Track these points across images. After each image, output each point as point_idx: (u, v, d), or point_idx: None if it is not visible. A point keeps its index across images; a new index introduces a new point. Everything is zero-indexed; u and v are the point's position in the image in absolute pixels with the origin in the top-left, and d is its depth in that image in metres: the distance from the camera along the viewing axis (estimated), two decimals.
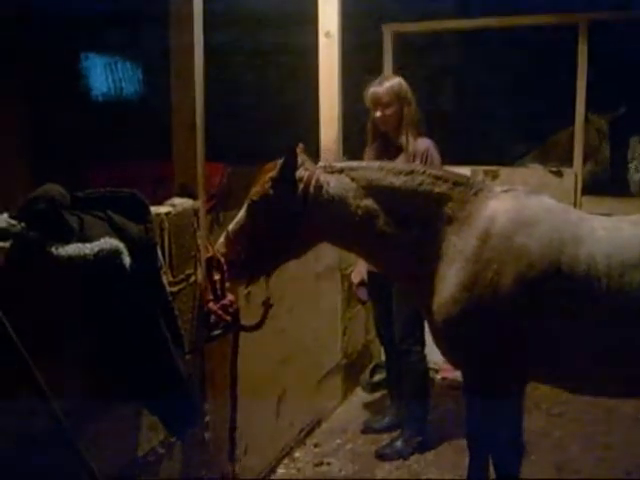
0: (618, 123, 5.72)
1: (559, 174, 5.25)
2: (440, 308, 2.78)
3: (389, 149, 3.86)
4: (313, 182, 2.84)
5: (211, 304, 2.87)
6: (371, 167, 2.92)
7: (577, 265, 2.65)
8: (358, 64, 4.80)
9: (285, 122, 7.09)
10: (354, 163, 3.01)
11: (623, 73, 6.33)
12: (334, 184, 2.86)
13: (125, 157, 6.64)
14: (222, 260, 2.88)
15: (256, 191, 2.91)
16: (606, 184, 5.55)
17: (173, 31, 2.83)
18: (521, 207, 2.79)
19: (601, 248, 2.68)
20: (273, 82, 7.96)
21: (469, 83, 7.89)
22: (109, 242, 2.11)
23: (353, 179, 2.86)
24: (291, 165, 2.85)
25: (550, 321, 2.68)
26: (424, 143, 3.83)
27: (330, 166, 2.94)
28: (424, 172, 2.86)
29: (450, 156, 4.12)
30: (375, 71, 5.13)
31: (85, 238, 2.09)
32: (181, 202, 2.76)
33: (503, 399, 2.85)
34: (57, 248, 2.01)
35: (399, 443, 4.01)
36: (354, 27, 4.75)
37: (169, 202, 2.74)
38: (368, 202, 2.84)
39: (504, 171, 5.32)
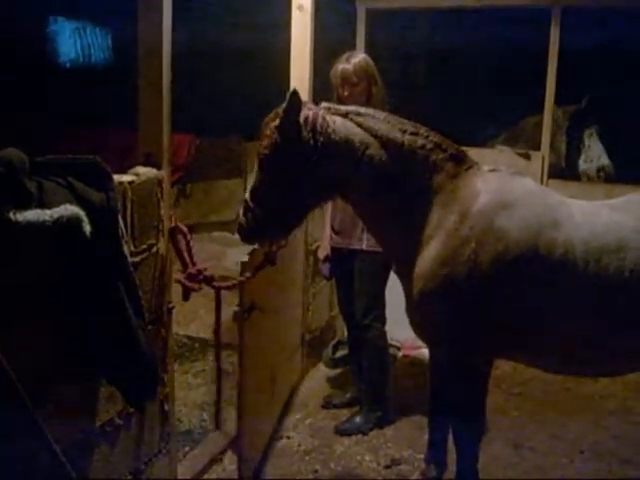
0: (580, 115, 5.76)
1: (527, 157, 5.30)
2: (417, 280, 2.79)
3: None
4: (320, 120, 2.73)
5: (177, 274, 2.86)
6: (378, 116, 2.81)
7: (554, 249, 2.68)
8: (331, 39, 4.74)
9: (255, 95, 7.03)
10: (360, 108, 2.87)
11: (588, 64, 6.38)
12: (340, 125, 2.76)
13: (92, 124, 6.54)
14: (185, 229, 2.86)
15: (264, 145, 2.77)
16: (561, 173, 5.60)
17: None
18: (503, 188, 2.79)
19: (579, 233, 2.70)
20: (243, 55, 7.88)
21: (442, 63, 7.89)
22: (69, 209, 2.07)
23: (360, 124, 2.77)
24: (295, 108, 2.72)
25: (526, 302, 2.71)
26: None
27: (334, 107, 2.83)
28: (427, 136, 2.80)
29: None
30: (348, 47, 5.12)
31: (45, 204, 2.04)
32: (145, 171, 2.72)
33: (469, 377, 2.88)
34: (15, 213, 1.96)
35: (358, 419, 4.04)
36: (328, 1, 4.69)
37: (133, 171, 2.70)
38: (373, 151, 2.76)
39: (472, 152, 5.31)
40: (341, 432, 3.99)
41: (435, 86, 7.89)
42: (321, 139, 2.72)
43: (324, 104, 2.86)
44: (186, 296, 2.94)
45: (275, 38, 4.87)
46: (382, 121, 2.79)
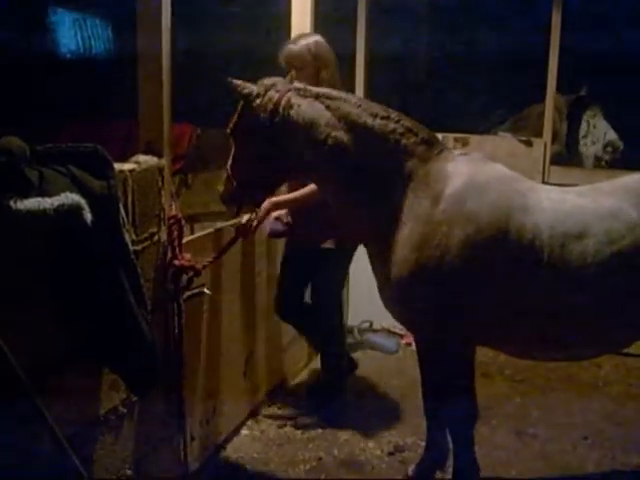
0: (580, 102, 5.75)
1: (529, 143, 5.28)
2: (390, 265, 2.80)
3: None
4: (283, 102, 2.82)
5: (176, 261, 2.86)
6: (349, 100, 2.86)
7: (523, 234, 2.69)
8: (332, 23, 4.71)
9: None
10: (333, 91, 2.92)
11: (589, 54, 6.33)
12: (306, 107, 2.83)
13: (94, 114, 6.53)
14: (182, 220, 2.87)
15: (231, 121, 2.96)
16: (563, 160, 5.59)
17: None
18: (475, 173, 2.80)
19: (545, 218, 2.71)
20: (243, 42, 7.83)
21: (447, 50, 7.83)
22: (70, 197, 2.08)
23: (328, 107, 2.82)
24: (240, 92, 2.89)
25: (495, 286, 2.72)
26: None
27: (305, 89, 2.89)
28: (399, 120, 2.82)
29: (425, 122, 4.10)
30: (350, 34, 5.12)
31: (45, 193, 2.05)
32: (146, 160, 2.72)
33: (450, 360, 2.89)
34: (16, 202, 1.97)
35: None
36: None
37: (134, 159, 2.70)
38: (339, 134, 2.80)
39: (474, 139, 5.33)
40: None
41: (441, 72, 7.83)
42: (280, 120, 2.81)
43: (296, 84, 2.94)
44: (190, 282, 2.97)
45: (277, 27, 4.84)
46: (353, 105, 2.83)
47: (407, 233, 2.75)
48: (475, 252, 2.68)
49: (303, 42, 3.65)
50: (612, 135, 5.57)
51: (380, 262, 2.88)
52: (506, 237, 2.68)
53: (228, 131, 2.97)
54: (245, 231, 3.34)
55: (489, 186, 2.76)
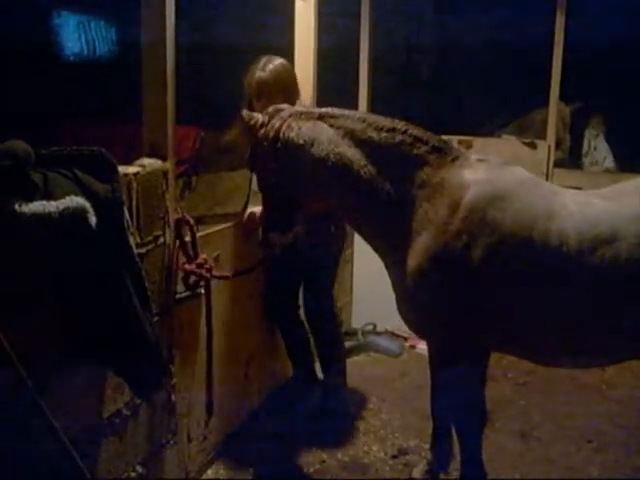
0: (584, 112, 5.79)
1: (532, 146, 5.27)
2: (408, 276, 2.76)
3: None
4: (283, 128, 2.86)
5: (186, 265, 2.87)
6: (352, 117, 2.87)
7: (549, 240, 2.63)
8: (335, 29, 4.72)
9: None
10: (336, 110, 2.92)
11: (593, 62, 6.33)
12: (307, 128, 2.85)
13: (97, 117, 6.54)
14: (191, 221, 2.87)
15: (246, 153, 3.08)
16: (566, 163, 5.62)
17: None
18: (495, 179, 2.74)
19: (573, 223, 2.66)
20: (248, 46, 7.84)
21: (451, 52, 7.83)
22: (75, 200, 2.08)
23: (331, 126, 2.84)
24: (247, 119, 2.97)
25: (521, 294, 2.68)
26: None
27: (307, 112, 2.93)
28: (405, 131, 2.80)
29: (428, 125, 4.10)
30: (354, 37, 5.12)
31: (50, 196, 2.05)
32: (150, 163, 2.73)
33: (466, 369, 2.86)
34: (21, 205, 1.97)
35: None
36: None
37: (138, 162, 2.70)
38: (342, 149, 2.80)
39: (478, 141, 5.33)
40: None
41: (445, 74, 7.83)
42: (280, 145, 2.87)
43: (298, 109, 3.00)
44: (195, 285, 2.98)
45: (281, 29, 4.84)
46: (357, 120, 2.84)
47: (425, 243, 2.70)
48: (498, 261, 2.63)
49: (271, 67, 3.56)
50: (610, 163, 5.64)
51: (396, 272, 2.85)
52: (531, 244, 2.63)
53: (246, 162, 3.07)
54: (271, 251, 3.25)
55: (510, 192, 2.70)
